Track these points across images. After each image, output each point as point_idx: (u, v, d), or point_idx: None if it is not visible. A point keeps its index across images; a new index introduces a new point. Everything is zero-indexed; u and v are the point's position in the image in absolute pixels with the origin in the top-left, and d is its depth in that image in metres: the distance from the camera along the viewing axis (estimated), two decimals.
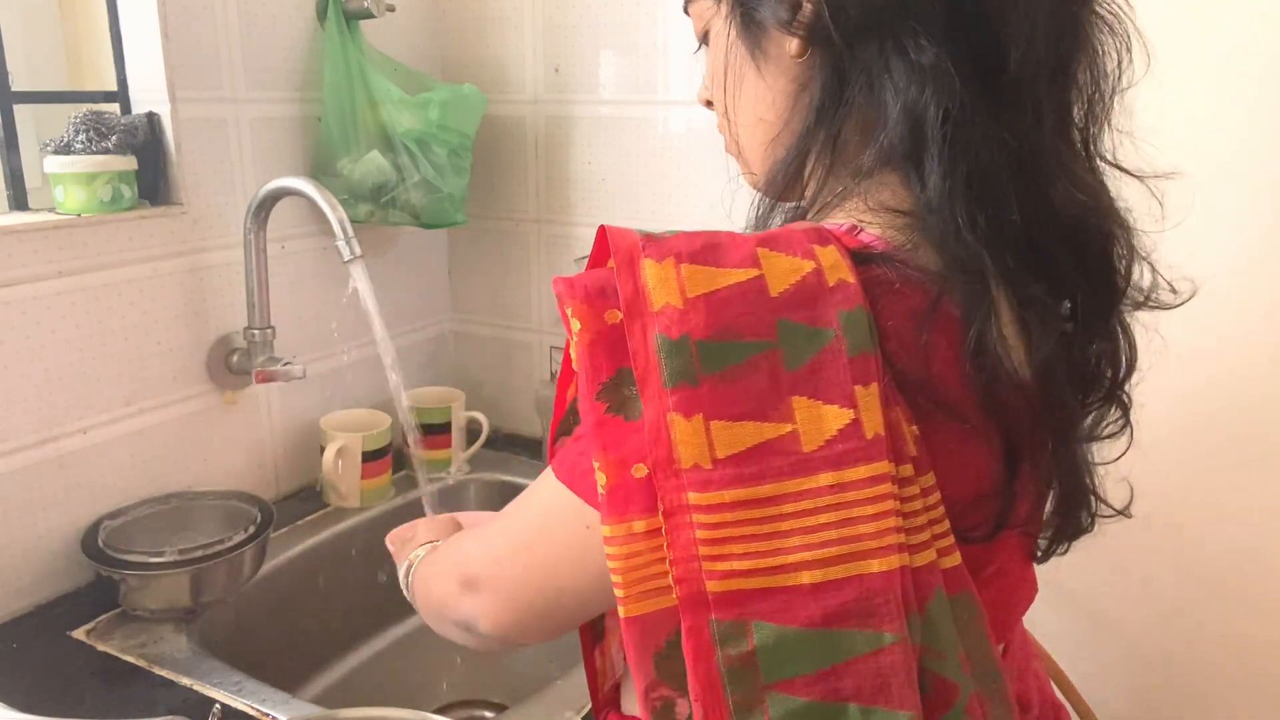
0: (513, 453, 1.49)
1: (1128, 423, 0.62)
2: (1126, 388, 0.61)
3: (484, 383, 1.59)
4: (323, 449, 1.27)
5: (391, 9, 1.30)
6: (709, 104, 0.65)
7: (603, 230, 0.52)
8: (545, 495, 0.57)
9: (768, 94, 0.59)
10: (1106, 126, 0.57)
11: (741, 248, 0.49)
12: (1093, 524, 0.62)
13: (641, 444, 0.48)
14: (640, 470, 0.48)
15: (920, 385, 0.49)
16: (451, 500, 1.40)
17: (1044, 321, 0.53)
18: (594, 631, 0.73)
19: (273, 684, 0.92)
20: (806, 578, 0.46)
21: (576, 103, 1.41)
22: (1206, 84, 1.01)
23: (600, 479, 0.49)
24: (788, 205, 0.63)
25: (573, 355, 0.56)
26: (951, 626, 0.51)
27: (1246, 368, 1.06)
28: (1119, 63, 0.56)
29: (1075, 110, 0.56)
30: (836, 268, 0.49)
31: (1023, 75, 0.52)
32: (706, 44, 0.63)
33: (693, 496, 0.46)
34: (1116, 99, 0.57)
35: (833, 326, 0.48)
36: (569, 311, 0.50)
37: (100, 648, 0.97)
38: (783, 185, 0.60)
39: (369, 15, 1.25)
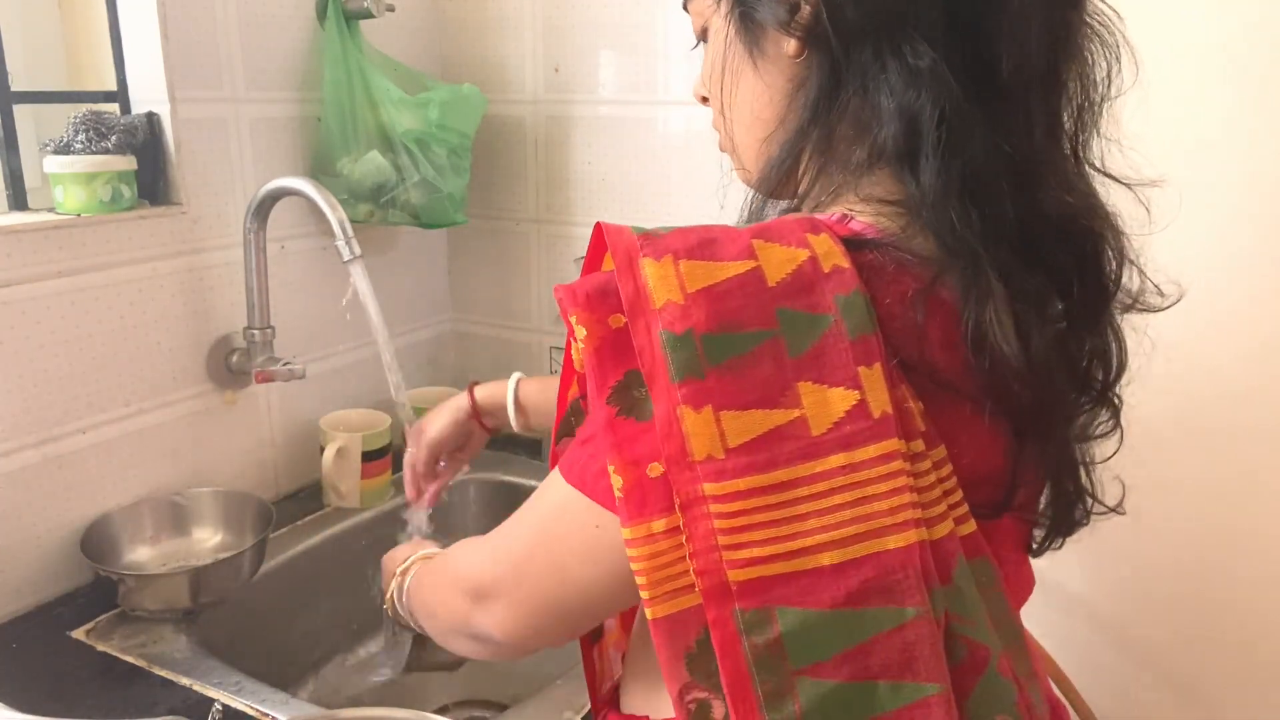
0: (513, 453, 1.49)
1: (1118, 423, 0.62)
2: (1117, 389, 0.61)
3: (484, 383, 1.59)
4: (323, 449, 1.27)
5: (391, 9, 1.30)
6: (705, 100, 0.66)
7: (599, 229, 0.52)
8: (553, 498, 0.56)
9: (765, 92, 0.59)
10: (1095, 134, 0.58)
11: (737, 241, 0.50)
12: (1087, 519, 0.62)
13: (655, 443, 0.48)
14: (656, 469, 0.48)
15: (919, 366, 0.50)
16: (451, 500, 1.40)
17: (1040, 314, 0.53)
18: (592, 631, 0.73)
19: (273, 684, 0.92)
20: (826, 559, 0.47)
21: (576, 103, 1.41)
22: (1191, 89, 1.02)
23: (616, 482, 0.49)
24: (781, 202, 0.63)
25: (575, 359, 0.56)
26: (975, 591, 0.51)
27: (1236, 364, 1.06)
28: (1108, 72, 0.57)
29: (1065, 117, 0.57)
30: (830, 254, 0.50)
31: (1015, 82, 0.53)
32: (705, 41, 0.64)
33: (708, 488, 0.47)
34: (1105, 107, 0.57)
35: (831, 311, 0.48)
36: (573, 319, 0.50)
37: (100, 648, 0.97)
38: (775, 182, 0.60)
39: (369, 15, 1.25)
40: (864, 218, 0.54)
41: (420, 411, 1.35)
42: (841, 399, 0.47)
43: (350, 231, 1.08)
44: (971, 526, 0.52)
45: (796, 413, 0.47)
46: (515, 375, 1.01)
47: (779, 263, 0.49)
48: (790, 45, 0.56)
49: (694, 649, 0.49)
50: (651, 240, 0.50)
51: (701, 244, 0.50)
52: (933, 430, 0.50)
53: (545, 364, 1.54)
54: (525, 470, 1.44)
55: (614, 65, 1.37)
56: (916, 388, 0.50)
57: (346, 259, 1.08)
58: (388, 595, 0.83)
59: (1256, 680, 1.14)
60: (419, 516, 1.07)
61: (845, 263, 0.50)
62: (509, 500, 1.43)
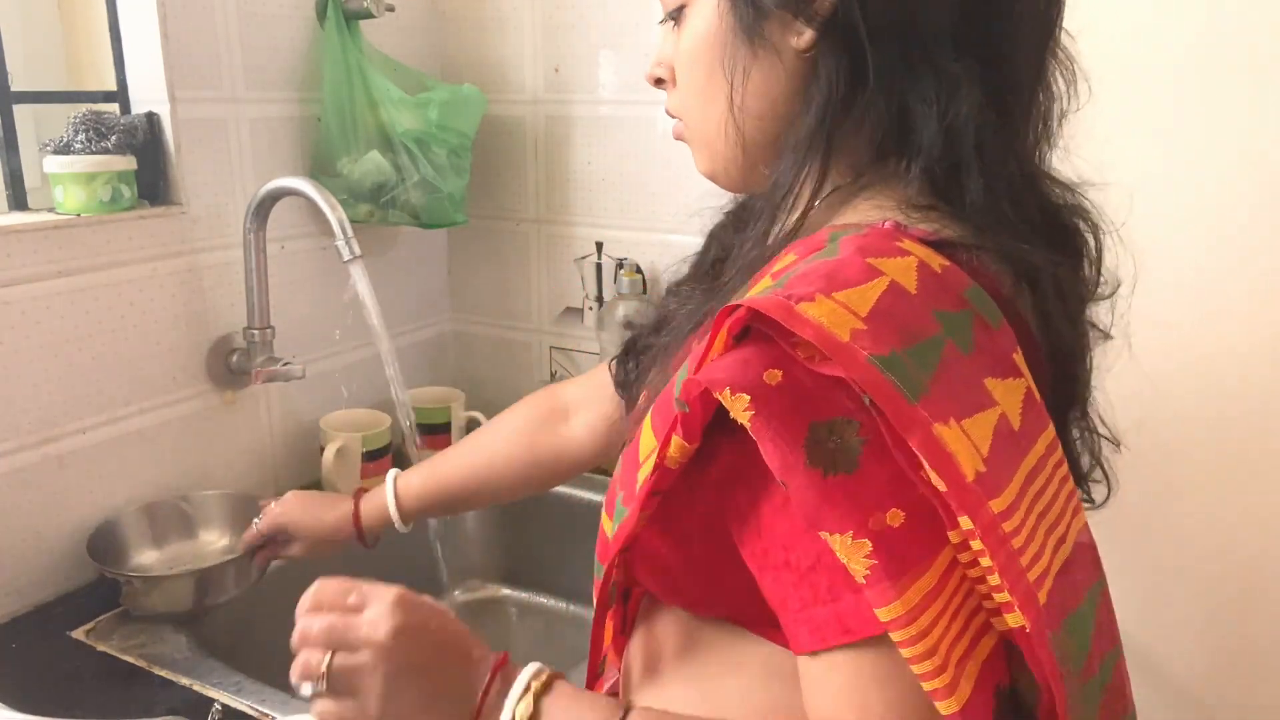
0: None
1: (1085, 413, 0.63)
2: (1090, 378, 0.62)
3: (484, 383, 1.59)
4: (323, 449, 1.27)
5: (391, 9, 1.30)
6: (659, 82, 0.62)
7: (725, 311, 0.47)
8: (843, 682, 0.46)
9: (778, 85, 0.55)
10: (1048, 144, 0.59)
11: (850, 264, 0.47)
12: (1108, 497, 0.63)
13: (876, 492, 0.43)
14: (896, 516, 0.43)
15: None
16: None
17: (1074, 305, 0.55)
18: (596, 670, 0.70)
19: (273, 684, 0.92)
20: (1063, 553, 0.45)
21: (576, 103, 1.41)
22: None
23: (860, 550, 0.42)
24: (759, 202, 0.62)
25: (672, 456, 0.49)
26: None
27: (1238, 364, 1.06)
28: (1067, 86, 0.57)
29: (1035, 125, 0.58)
30: (929, 256, 0.49)
31: (1017, 86, 0.54)
32: (674, 20, 0.59)
33: (995, 505, 0.43)
34: (1064, 119, 0.58)
35: (968, 306, 0.48)
36: (725, 394, 0.44)
37: (100, 648, 0.97)
38: (785, 189, 0.57)
39: (369, 15, 1.25)
40: (923, 226, 0.52)
41: (420, 412, 1.36)
42: (1017, 389, 0.46)
43: (350, 231, 1.08)
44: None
45: (999, 409, 0.45)
46: (392, 471, 1.00)
47: (902, 271, 0.47)
48: (803, 37, 0.53)
49: (996, 704, 0.45)
50: (786, 293, 0.46)
51: (827, 277, 0.46)
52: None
53: (545, 364, 1.54)
54: None
55: (614, 65, 1.37)
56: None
57: (346, 259, 1.08)
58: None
59: (1257, 680, 1.13)
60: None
61: (945, 260, 0.49)
62: (509, 508, 1.43)
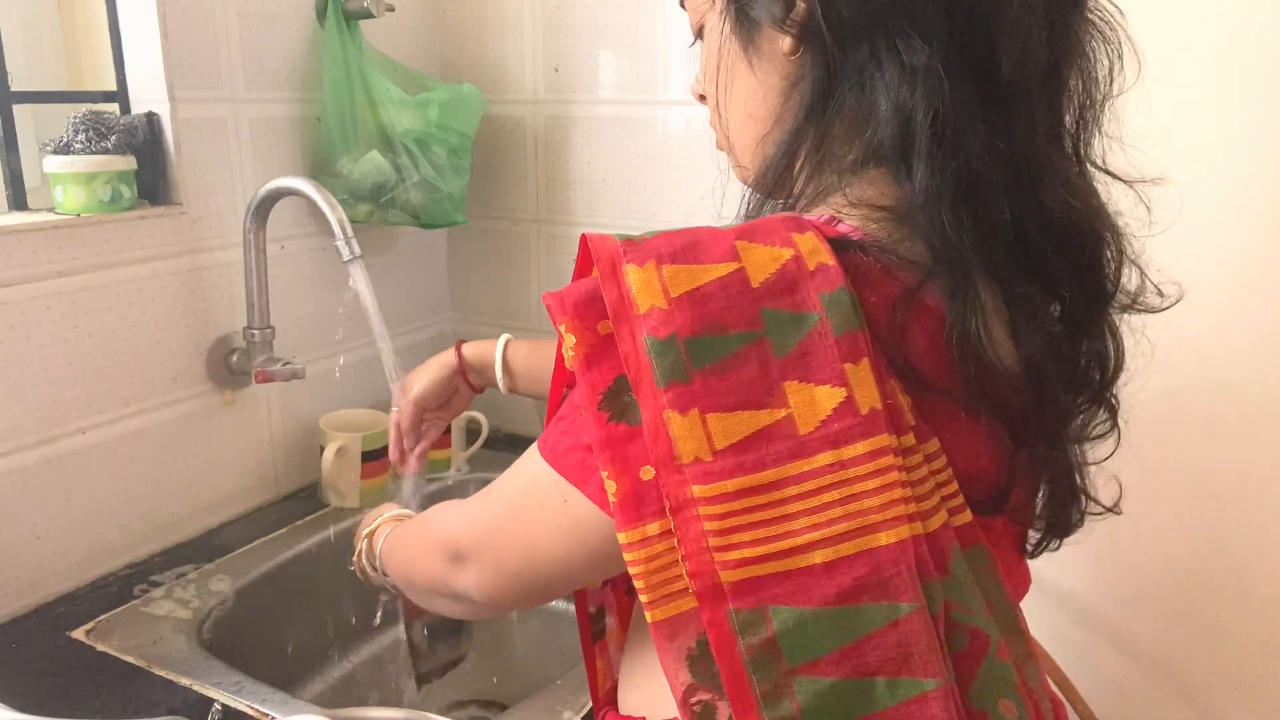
0: (513, 453, 1.48)
1: (1115, 424, 0.62)
2: (1115, 389, 0.61)
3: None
4: (322, 449, 1.27)
5: (391, 9, 1.30)
6: (702, 98, 0.66)
7: (584, 239, 0.53)
8: (527, 471, 0.58)
9: (759, 90, 0.59)
10: (1097, 132, 0.58)
11: (721, 243, 0.50)
12: (1082, 520, 0.62)
13: (641, 449, 0.48)
14: (648, 472, 0.48)
15: (903, 367, 0.50)
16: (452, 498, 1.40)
17: (1033, 321, 0.53)
18: (594, 630, 0.74)
19: (273, 684, 0.92)
20: (818, 557, 0.47)
21: (576, 103, 1.41)
22: (1194, 87, 1.02)
23: (610, 487, 0.49)
24: (777, 201, 0.63)
25: (566, 360, 0.56)
26: (972, 579, 0.52)
27: (1235, 362, 1.07)
28: (1110, 69, 0.56)
29: (1067, 116, 0.57)
30: (816, 252, 0.50)
31: (1015, 80, 0.52)
32: (701, 38, 0.64)
33: (697, 490, 0.47)
34: (1108, 105, 0.57)
35: (816, 309, 0.49)
36: (562, 327, 0.51)
37: (100, 648, 0.97)
38: (772, 182, 0.60)
39: (369, 15, 1.25)
40: (852, 221, 0.54)
41: None
42: (828, 397, 0.48)
43: (350, 231, 1.08)
44: (967, 517, 0.53)
45: (784, 412, 0.47)
46: (504, 336, 1.00)
47: (762, 263, 0.49)
48: (785, 43, 0.56)
49: (695, 650, 0.49)
50: (635, 246, 0.51)
51: (685, 247, 0.50)
52: (923, 425, 0.51)
53: None
54: None
55: (614, 65, 1.37)
56: (904, 384, 0.50)
57: (346, 259, 1.08)
58: (355, 555, 0.85)
59: (1256, 679, 1.14)
60: (406, 487, 1.05)
61: (830, 260, 0.50)
62: None
